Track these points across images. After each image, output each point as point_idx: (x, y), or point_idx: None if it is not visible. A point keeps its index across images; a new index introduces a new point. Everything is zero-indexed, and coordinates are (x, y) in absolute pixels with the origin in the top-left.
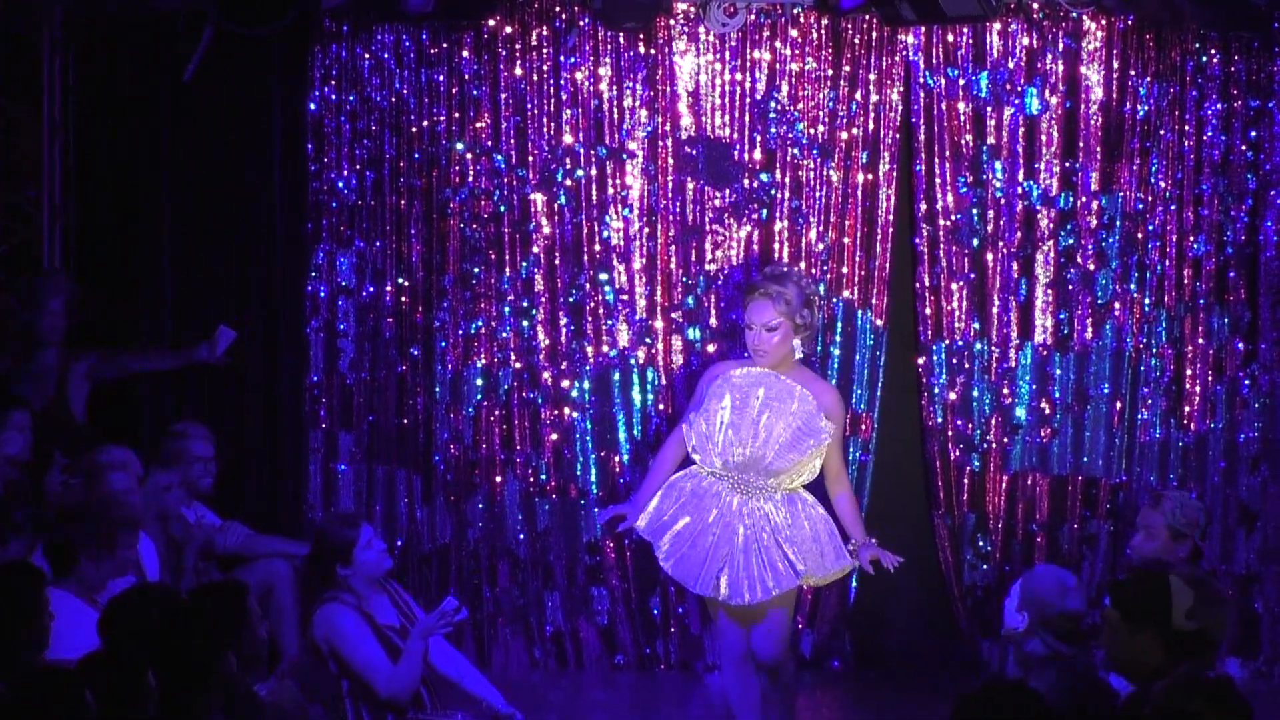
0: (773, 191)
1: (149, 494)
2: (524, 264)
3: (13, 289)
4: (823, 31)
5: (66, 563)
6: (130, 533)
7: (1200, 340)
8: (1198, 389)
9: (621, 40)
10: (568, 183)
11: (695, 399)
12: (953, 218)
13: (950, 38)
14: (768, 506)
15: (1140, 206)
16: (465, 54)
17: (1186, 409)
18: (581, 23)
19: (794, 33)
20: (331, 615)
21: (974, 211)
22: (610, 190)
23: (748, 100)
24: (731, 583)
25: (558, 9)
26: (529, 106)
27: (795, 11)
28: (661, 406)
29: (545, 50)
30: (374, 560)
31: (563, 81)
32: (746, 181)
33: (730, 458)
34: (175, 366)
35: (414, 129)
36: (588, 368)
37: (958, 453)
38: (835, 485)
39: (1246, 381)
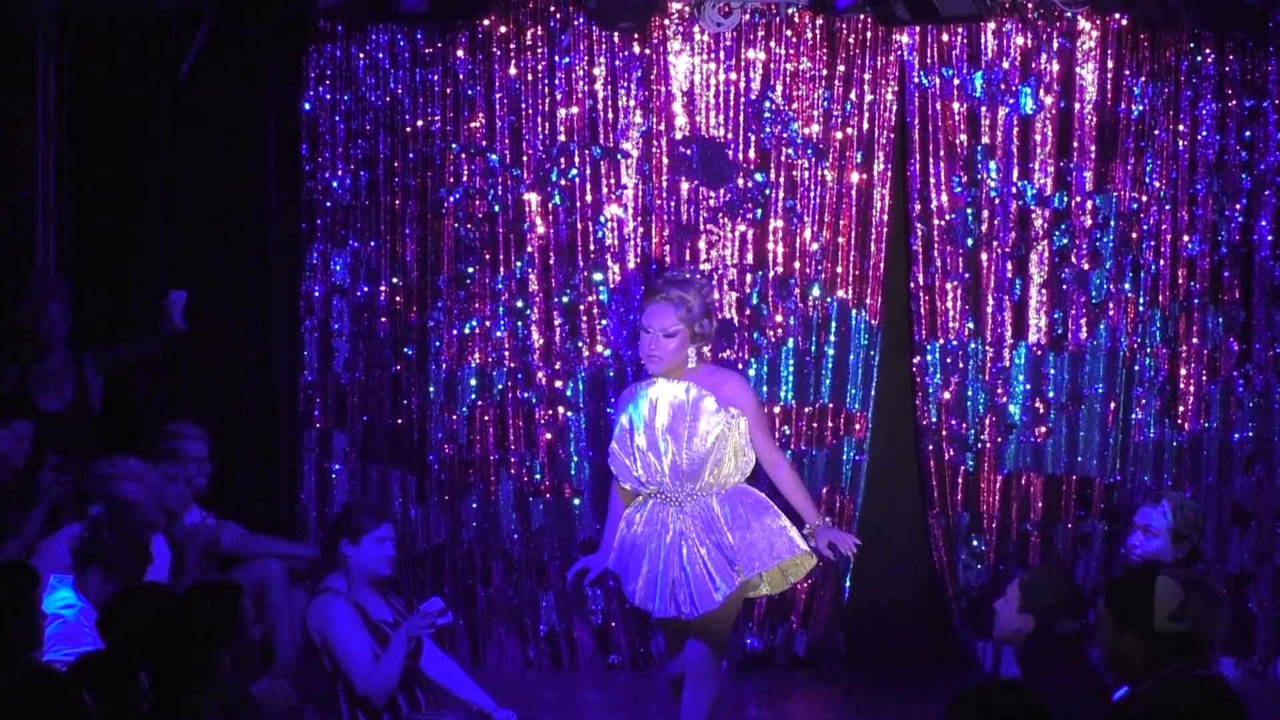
0: (767, 191)
1: (154, 488)
2: (518, 264)
3: (10, 293)
4: (817, 31)
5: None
6: (142, 555)
7: (1195, 340)
8: (1192, 389)
9: (616, 40)
10: (562, 182)
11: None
12: (947, 217)
13: (945, 37)
14: (695, 510)
15: (1135, 206)
16: (460, 54)
17: (1181, 409)
18: (576, 22)
19: (789, 32)
20: (325, 607)
21: (968, 211)
22: (605, 190)
23: (742, 100)
24: (679, 597)
25: (552, 8)
26: (523, 106)
27: (790, 11)
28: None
29: (540, 50)
30: (379, 555)
31: (557, 81)
32: (741, 181)
33: (652, 475)
34: (158, 350)
35: (408, 129)
36: (582, 367)
37: (952, 452)
38: (771, 466)
39: (1241, 381)
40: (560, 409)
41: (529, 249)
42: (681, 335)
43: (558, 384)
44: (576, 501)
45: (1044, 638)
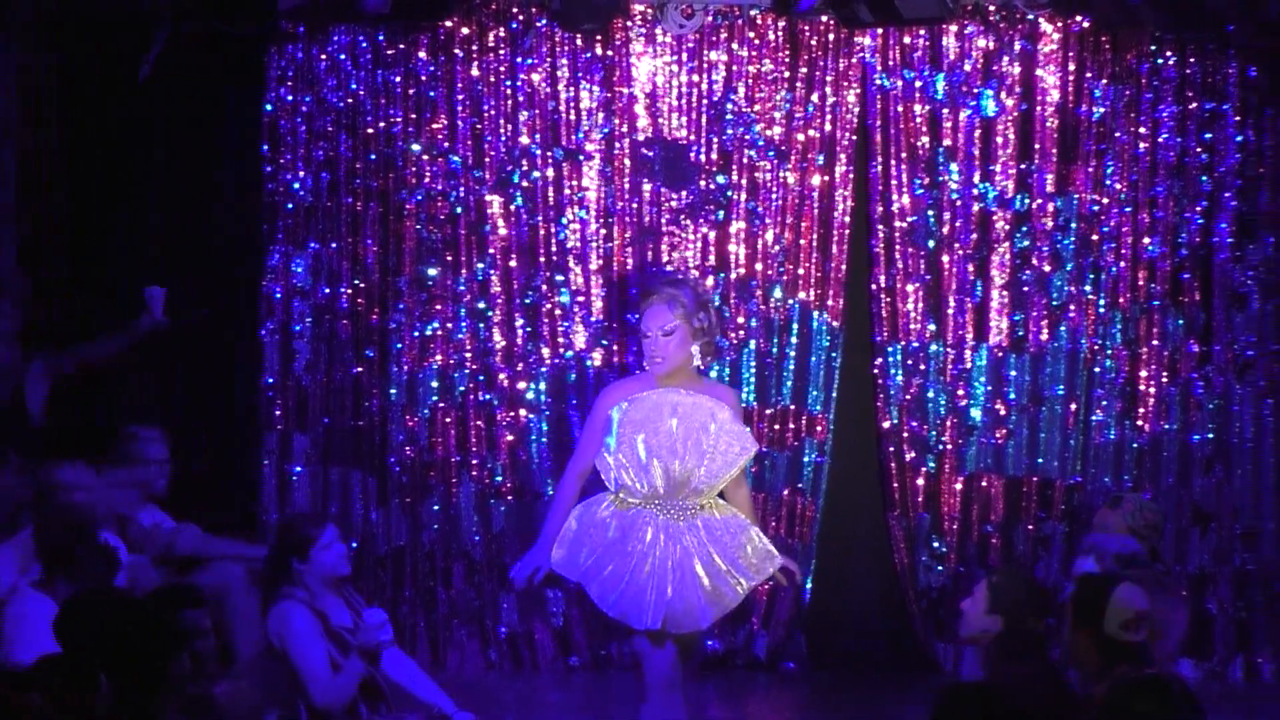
0: (729, 193)
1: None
2: (480, 265)
3: None
4: (779, 33)
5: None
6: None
7: (1155, 342)
8: (1152, 390)
9: (578, 42)
10: (524, 184)
11: (596, 425)
12: (908, 219)
13: (907, 39)
14: (699, 525)
15: (1095, 208)
16: (422, 55)
17: (1141, 410)
18: (539, 24)
19: (751, 34)
20: (285, 613)
21: (930, 213)
22: (567, 192)
23: (704, 102)
24: (680, 612)
25: (515, 10)
26: (485, 108)
27: (752, 13)
28: None
29: (502, 51)
30: (331, 562)
31: (519, 83)
32: (703, 183)
33: (657, 485)
34: (127, 345)
35: (370, 130)
36: (544, 369)
37: (913, 454)
38: (736, 489)
39: (1201, 383)
40: (522, 411)
41: (491, 250)
42: (680, 332)
43: (519, 386)
44: (538, 504)
45: (1012, 639)
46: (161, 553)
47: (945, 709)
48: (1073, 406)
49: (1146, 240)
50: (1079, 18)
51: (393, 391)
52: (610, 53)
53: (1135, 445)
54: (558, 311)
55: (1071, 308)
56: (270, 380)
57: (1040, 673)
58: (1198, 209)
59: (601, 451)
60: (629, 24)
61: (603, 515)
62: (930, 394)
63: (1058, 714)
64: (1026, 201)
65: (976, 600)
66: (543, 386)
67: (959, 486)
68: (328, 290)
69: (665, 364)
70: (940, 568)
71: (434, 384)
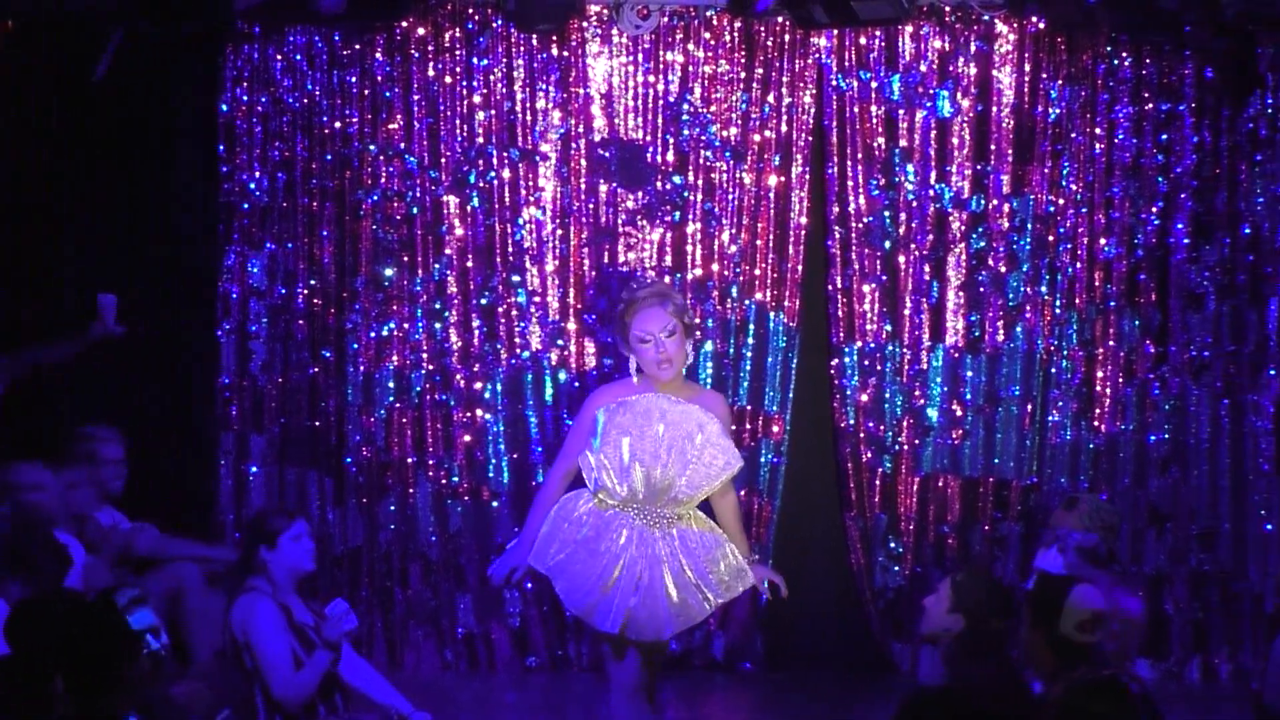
0: (685, 194)
1: (58, 493)
2: (436, 266)
3: None
4: (735, 34)
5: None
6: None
7: (1111, 342)
8: (1108, 391)
9: (534, 42)
10: (480, 184)
11: (583, 428)
12: (864, 220)
13: (862, 40)
14: (674, 533)
15: (1051, 209)
16: (378, 55)
17: (1097, 411)
18: (494, 24)
19: (707, 35)
20: (249, 605)
21: (886, 214)
22: (523, 192)
23: (660, 102)
24: (644, 619)
25: (470, 10)
26: (441, 108)
27: (708, 14)
28: (573, 408)
29: (458, 52)
30: (298, 555)
31: (475, 83)
32: (659, 184)
33: (637, 490)
34: (77, 351)
35: (326, 130)
36: (500, 370)
37: (869, 454)
38: (721, 497)
39: (1157, 384)
40: (478, 411)
41: (447, 251)
42: (679, 331)
43: (476, 386)
44: (495, 504)
45: (973, 638)
46: (119, 553)
47: (910, 714)
48: (1029, 407)
49: (1103, 241)
50: (1035, 19)
51: (349, 392)
52: (566, 53)
53: (1091, 446)
54: (514, 312)
55: (1028, 308)
56: (226, 380)
57: (1000, 673)
58: (1154, 210)
59: (585, 451)
60: (585, 25)
61: (579, 512)
62: (887, 395)
63: (1018, 715)
64: (983, 202)
65: (940, 598)
66: (499, 387)
67: (916, 487)
68: (284, 290)
69: (674, 367)
70: (897, 568)
71: (390, 384)
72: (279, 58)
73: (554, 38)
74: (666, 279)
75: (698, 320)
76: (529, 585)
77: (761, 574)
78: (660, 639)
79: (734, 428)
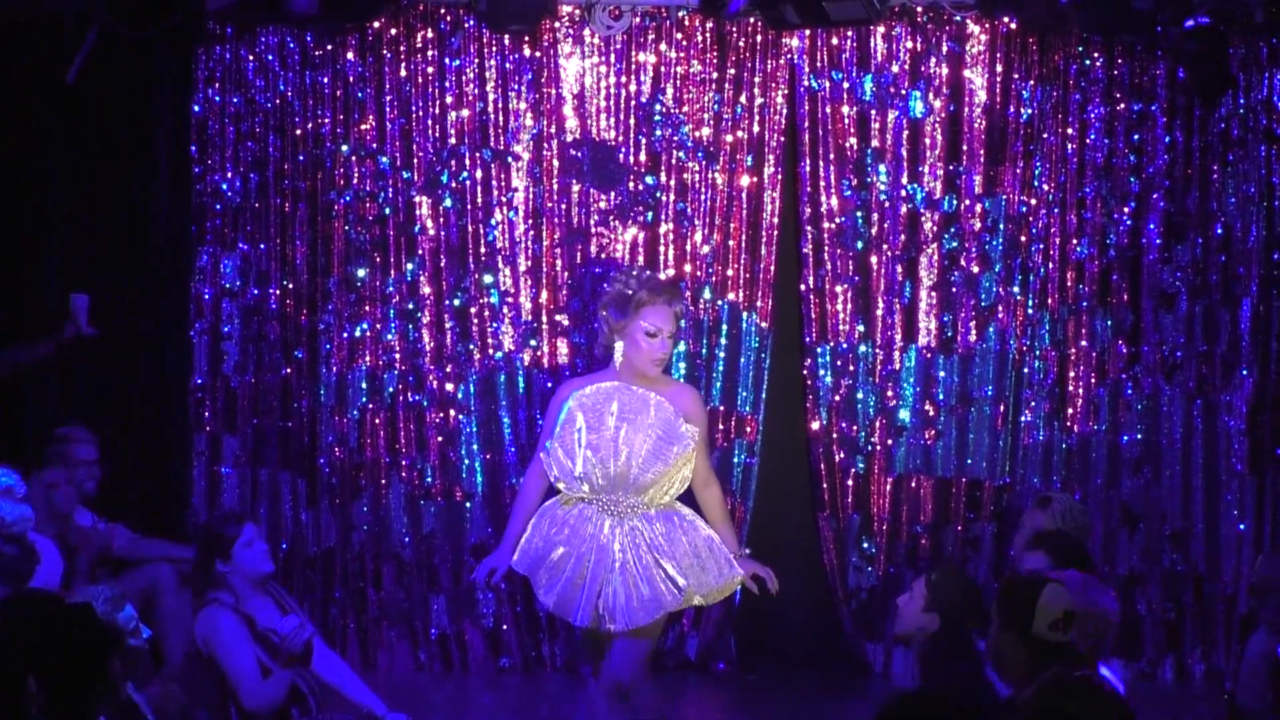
0: (658, 194)
1: (36, 494)
2: (409, 266)
3: None
4: (707, 34)
5: None
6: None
7: (1083, 343)
8: (1081, 391)
9: (507, 43)
10: (453, 185)
11: (548, 424)
12: (837, 220)
13: (834, 41)
14: (641, 525)
15: (1023, 209)
16: (350, 56)
17: (1070, 411)
18: (467, 25)
19: (679, 35)
20: (212, 618)
21: (858, 214)
22: (495, 193)
23: (633, 103)
24: (612, 609)
25: (443, 11)
26: (414, 109)
27: (680, 14)
28: (547, 408)
29: (430, 52)
30: (253, 560)
31: (448, 84)
32: (631, 184)
33: (595, 480)
34: (49, 352)
35: (298, 131)
36: (473, 370)
37: (842, 455)
38: (704, 489)
39: (1129, 384)
40: (451, 412)
41: (420, 251)
42: (677, 336)
43: (449, 387)
44: (468, 504)
45: (948, 638)
46: (99, 554)
47: (889, 717)
48: (1002, 408)
49: (1075, 241)
50: (1006, 19)
51: (322, 392)
52: (538, 54)
53: (1064, 446)
54: (487, 312)
55: (1000, 309)
56: (199, 381)
57: (973, 673)
58: (1126, 210)
59: (545, 445)
60: (557, 25)
61: (555, 512)
62: (859, 395)
63: (989, 716)
64: (955, 203)
65: (914, 597)
66: (472, 388)
67: (888, 487)
68: (257, 291)
69: (661, 366)
70: (870, 568)
71: (363, 385)
72: (251, 58)
73: (526, 38)
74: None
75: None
76: (504, 586)
77: (749, 568)
78: (630, 628)
79: (705, 418)
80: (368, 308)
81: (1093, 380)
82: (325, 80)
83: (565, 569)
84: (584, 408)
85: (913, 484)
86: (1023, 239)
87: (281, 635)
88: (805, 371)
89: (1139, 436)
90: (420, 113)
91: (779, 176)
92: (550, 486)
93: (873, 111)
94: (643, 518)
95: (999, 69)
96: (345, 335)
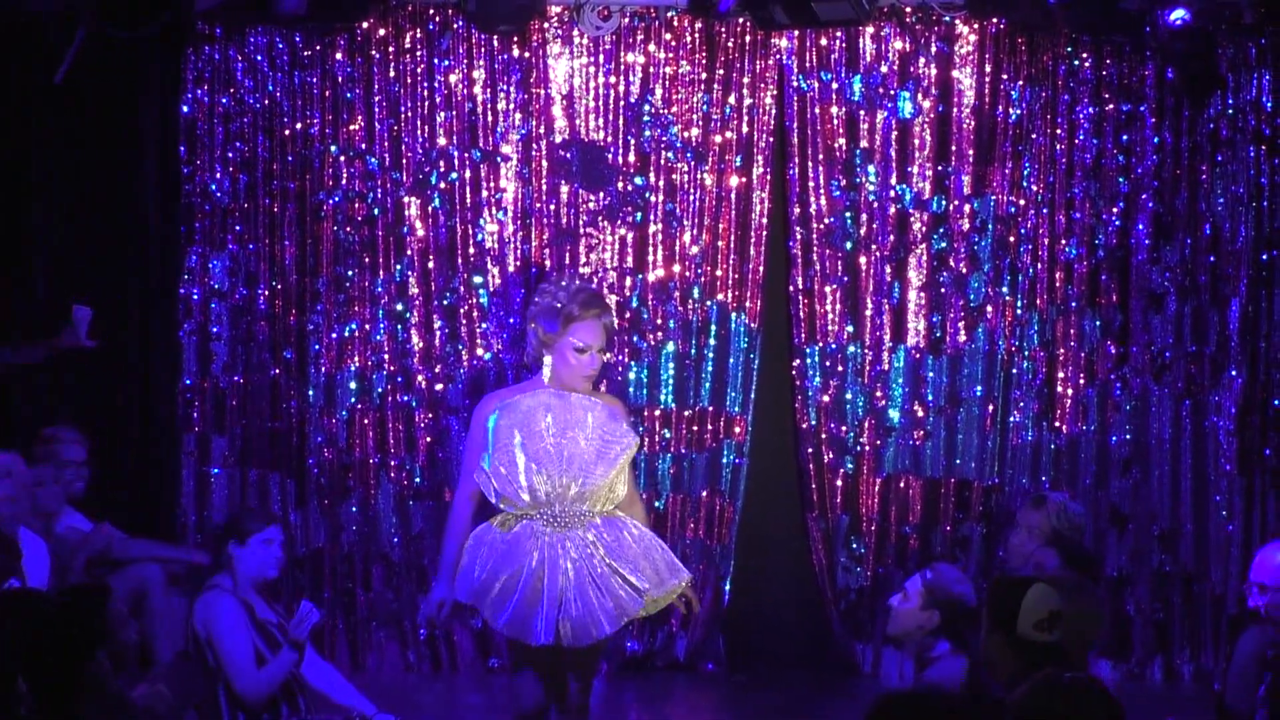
0: (647, 195)
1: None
2: (398, 267)
3: None
4: (696, 35)
5: None
6: (11, 550)
7: (1072, 343)
8: (1069, 392)
9: (495, 43)
10: (442, 185)
11: (473, 441)
12: (826, 221)
13: (823, 41)
14: (589, 535)
15: (1012, 210)
16: (339, 56)
17: (1058, 411)
18: (455, 25)
19: (668, 36)
20: (212, 602)
21: (847, 215)
22: (484, 193)
23: (622, 103)
24: (576, 624)
25: (431, 11)
26: (403, 109)
27: (669, 15)
28: None
29: (419, 53)
30: (265, 558)
31: (436, 84)
32: (620, 185)
33: (539, 492)
34: (44, 357)
35: (287, 131)
36: (462, 371)
37: (831, 455)
38: (632, 504)
39: (1118, 384)
40: (440, 412)
41: (408, 252)
42: (608, 350)
43: (438, 387)
44: None
45: (947, 636)
46: (99, 555)
47: (879, 718)
48: (990, 408)
49: (1064, 242)
50: (995, 20)
51: (311, 393)
52: (527, 54)
53: (1053, 446)
54: (476, 313)
55: (989, 309)
56: (188, 382)
57: (971, 669)
58: (1115, 210)
59: (480, 465)
60: (545, 26)
61: (491, 538)
62: (848, 395)
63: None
64: (944, 203)
65: (910, 597)
66: (460, 388)
67: (877, 488)
68: (245, 292)
69: (590, 382)
70: (859, 569)
71: (352, 385)
72: (240, 59)
73: (515, 39)
74: (628, 280)
75: (658, 323)
76: (454, 622)
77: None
78: (599, 640)
79: (639, 424)
80: (356, 308)
81: (1081, 381)
82: (314, 81)
83: (514, 591)
84: (516, 420)
85: (902, 484)
86: (1011, 239)
87: (297, 615)
88: (794, 372)
89: (1128, 437)
90: (409, 113)
91: (768, 177)
92: (477, 510)
93: (861, 112)
94: (590, 526)
95: (988, 69)
96: (334, 336)
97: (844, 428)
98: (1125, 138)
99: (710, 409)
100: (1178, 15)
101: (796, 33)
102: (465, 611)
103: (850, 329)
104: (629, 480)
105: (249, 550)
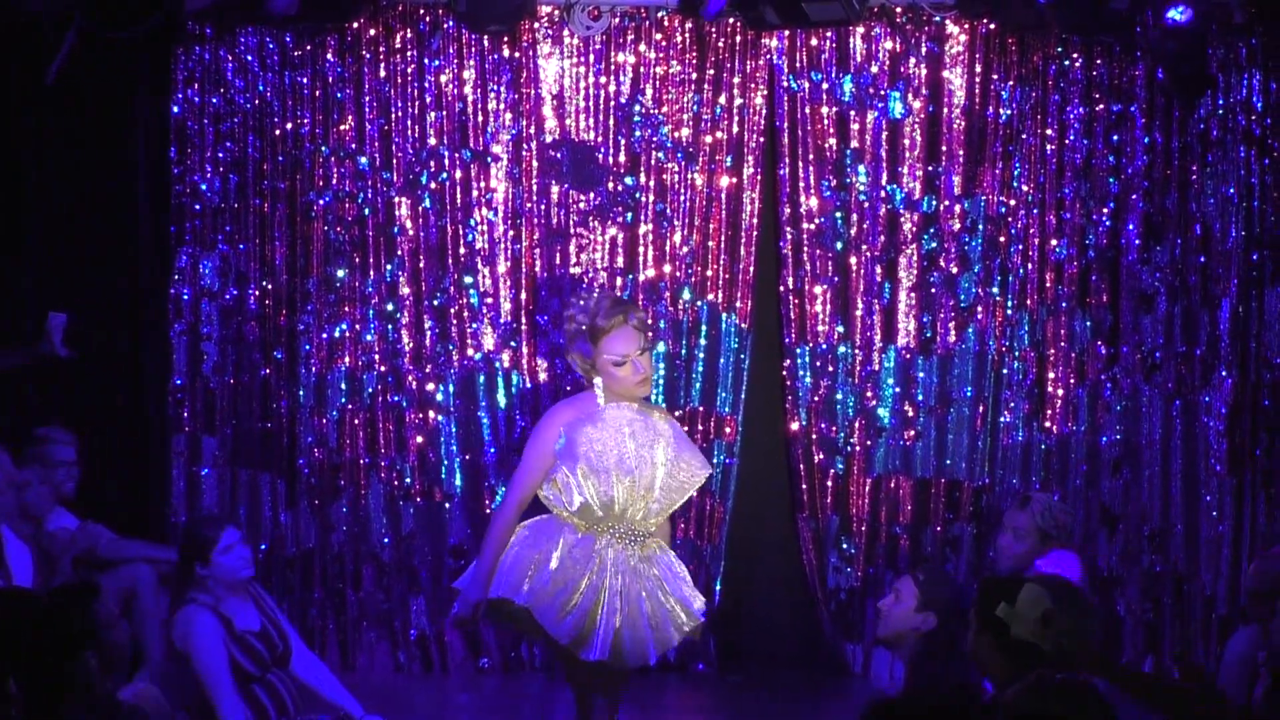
0: (637, 195)
1: (9, 494)
2: (388, 267)
3: None
4: (687, 35)
5: None
6: None
7: (1062, 343)
8: (1060, 392)
9: (486, 43)
10: (432, 185)
11: (545, 449)
12: (816, 221)
13: (814, 41)
14: (651, 558)
15: (1003, 210)
16: (329, 56)
17: (1049, 412)
18: (446, 25)
19: (658, 36)
20: (189, 618)
21: (838, 215)
22: (475, 193)
23: (612, 103)
24: (629, 645)
25: (422, 11)
26: (393, 109)
27: (659, 15)
28: (526, 409)
29: (410, 53)
30: (231, 565)
31: (427, 84)
32: (611, 185)
33: (618, 506)
34: (24, 363)
35: (278, 131)
36: (452, 371)
37: (821, 455)
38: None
39: (1109, 385)
40: (431, 412)
41: (399, 252)
42: (649, 346)
43: (428, 387)
44: (447, 505)
45: (944, 635)
46: (85, 555)
47: None
48: (981, 408)
49: (1054, 242)
50: (986, 20)
51: (301, 393)
52: (518, 54)
53: (1043, 447)
54: (466, 313)
55: (979, 309)
56: (179, 382)
57: (965, 672)
58: (1105, 211)
59: (561, 470)
60: (536, 26)
61: (555, 537)
62: (839, 396)
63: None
64: (934, 203)
65: (903, 598)
66: (451, 388)
67: (868, 488)
68: (236, 292)
69: (649, 383)
70: (849, 569)
71: (343, 386)
72: (230, 59)
73: (505, 39)
74: (618, 280)
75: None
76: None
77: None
78: (646, 663)
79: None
80: (347, 308)
81: (1072, 381)
82: (305, 81)
83: (578, 605)
84: (601, 431)
85: (892, 485)
86: (1002, 240)
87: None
88: (785, 372)
89: (1118, 437)
90: (399, 113)
91: (758, 177)
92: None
93: (852, 112)
94: (651, 549)
95: (978, 70)
96: (324, 336)
97: (834, 428)
98: (1115, 138)
99: (700, 409)
100: (1178, 13)
101: (787, 33)
102: (494, 612)
103: (841, 329)
104: None
105: (214, 566)
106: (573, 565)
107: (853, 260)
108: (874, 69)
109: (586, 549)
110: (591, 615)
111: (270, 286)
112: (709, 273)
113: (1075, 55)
